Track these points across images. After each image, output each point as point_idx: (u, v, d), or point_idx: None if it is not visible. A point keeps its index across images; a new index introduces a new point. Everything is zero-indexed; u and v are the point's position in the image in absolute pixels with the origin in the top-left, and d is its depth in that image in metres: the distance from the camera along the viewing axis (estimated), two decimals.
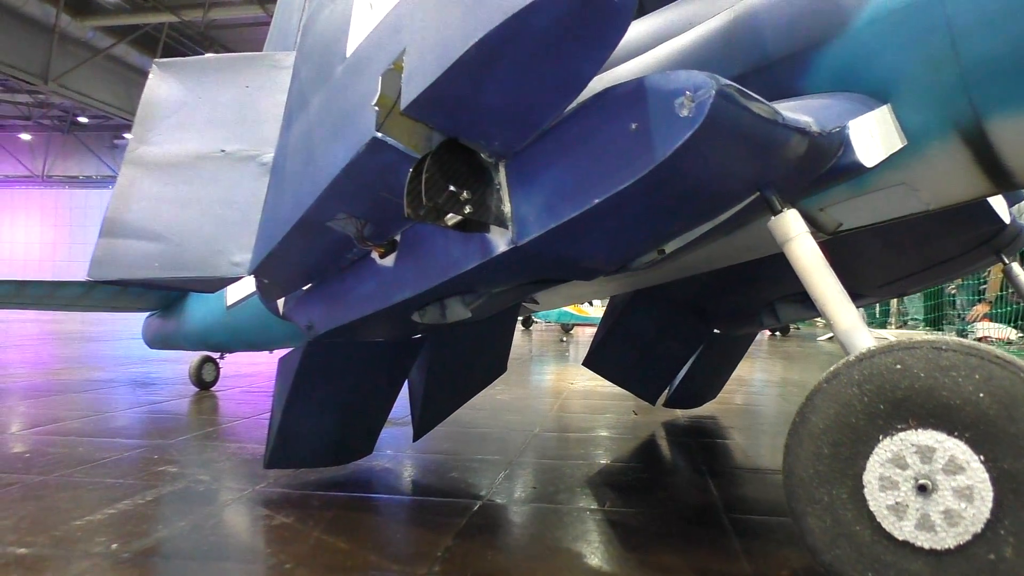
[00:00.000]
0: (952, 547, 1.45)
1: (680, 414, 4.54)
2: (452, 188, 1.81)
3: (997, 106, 1.97)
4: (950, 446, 1.50)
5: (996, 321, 13.62)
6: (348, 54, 2.21)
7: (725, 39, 2.73)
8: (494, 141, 1.87)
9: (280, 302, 2.66)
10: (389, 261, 2.25)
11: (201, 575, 1.82)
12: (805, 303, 3.70)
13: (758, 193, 1.94)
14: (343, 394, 2.69)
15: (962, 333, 15.17)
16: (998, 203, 2.97)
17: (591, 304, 15.12)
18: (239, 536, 2.15)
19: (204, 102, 2.62)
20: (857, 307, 3.72)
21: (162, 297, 4.90)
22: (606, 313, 4.32)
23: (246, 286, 3.78)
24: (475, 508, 2.40)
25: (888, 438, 1.57)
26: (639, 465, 3.16)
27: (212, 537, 2.07)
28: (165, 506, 2.36)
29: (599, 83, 1.84)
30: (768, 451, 3.60)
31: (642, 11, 2.84)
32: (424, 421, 3.09)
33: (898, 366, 1.59)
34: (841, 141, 2.06)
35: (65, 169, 35.27)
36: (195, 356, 5.26)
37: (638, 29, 2.71)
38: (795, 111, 2.22)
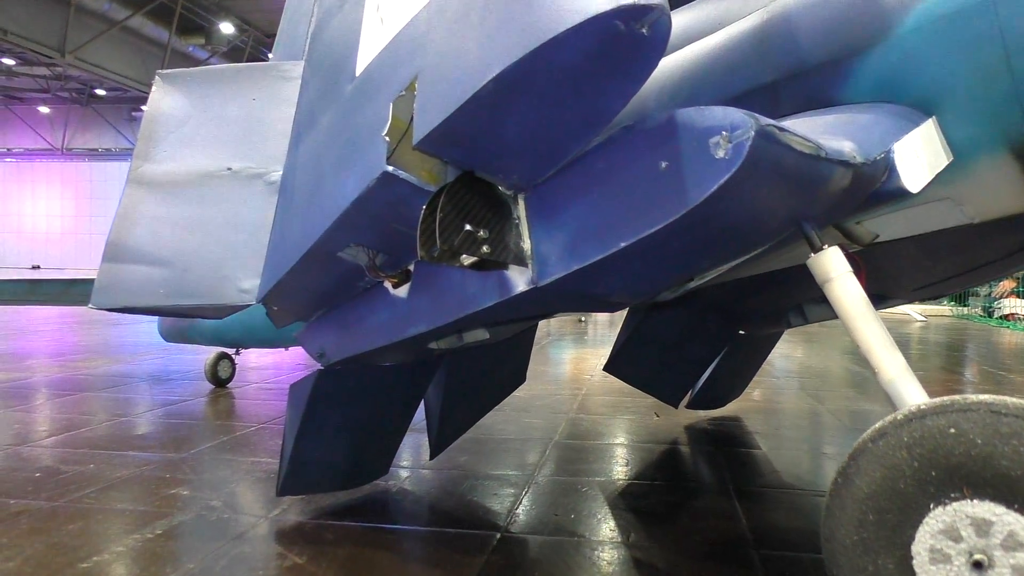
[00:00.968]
0: None
1: (702, 415, 4.43)
2: (468, 227, 1.70)
3: None
4: (1010, 520, 1.38)
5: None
6: (357, 72, 2.08)
7: (757, 42, 2.57)
8: (513, 174, 1.75)
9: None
10: (403, 291, 2.14)
11: None
12: None
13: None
14: (357, 419, 2.61)
15: (988, 309, 14.91)
16: None
17: None
18: None
19: (210, 116, 2.50)
20: (886, 306, 3.56)
21: None
22: (627, 317, 4.19)
23: None
24: (495, 542, 2.32)
25: (940, 507, 1.46)
26: (663, 483, 3.05)
27: None
28: (175, 541, 2.29)
29: None
30: (794, 462, 3.49)
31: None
32: (441, 439, 3.01)
33: (952, 430, 1.47)
34: (886, 166, 1.91)
35: (84, 142, 35.32)
36: (211, 352, 5.21)
37: None
38: (836, 130, 2.08)
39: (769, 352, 4.93)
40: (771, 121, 1.45)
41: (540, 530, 2.46)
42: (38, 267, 35.43)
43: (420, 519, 2.62)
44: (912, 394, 1.66)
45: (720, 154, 1.40)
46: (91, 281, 3.90)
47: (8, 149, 35.36)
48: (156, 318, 5.38)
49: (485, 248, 1.71)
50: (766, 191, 1.63)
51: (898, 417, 1.53)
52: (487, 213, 1.74)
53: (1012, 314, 13.71)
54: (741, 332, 4.23)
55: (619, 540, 2.36)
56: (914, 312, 14.38)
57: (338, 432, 2.58)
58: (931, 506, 1.45)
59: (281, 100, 2.51)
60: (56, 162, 35.15)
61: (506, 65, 1.41)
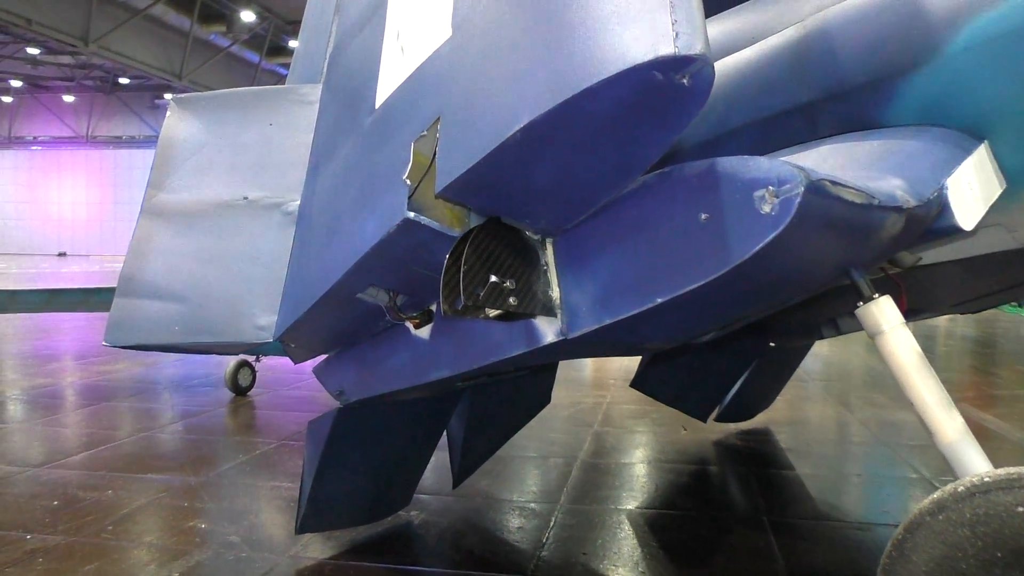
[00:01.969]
0: None
1: (731, 428, 4.31)
2: (494, 278, 1.59)
3: None
4: None
5: None
6: (377, 103, 1.98)
7: (793, 59, 2.43)
8: (540, 220, 1.65)
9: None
10: (424, 333, 2.05)
11: None
12: None
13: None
14: (378, 455, 2.53)
15: None
16: None
17: None
18: None
19: (225, 143, 2.42)
20: (921, 318, 3.41)
21: None
22: None
23: None
24: None
25: None
26: (694, 514, 2.95)
27: None
28: None
29: None
30: (829, 486, 3.37)
31: None
32: (464, 468, 2.93)
33: (1020, 508, 1.35)
34: (940, 204, 1.79)
35: (108, 130, 35.60)
36: (231, 360, 5.16)
37: None
38: (882, 162, 1.95)
39: (799, 363, 4.80)
40: (821, 174, 1.33)
41: (567, 572, 2.37)
42: (64, 254, 35.87)
43: (444, 559, 2.54)
44: (974, 462, 1.54)
45: (766, 209, 1.29)
46: (111, 290, 3.83)
47: (34, 137, 35.72)
48: None
49: (512, 300, 1.61)
50: (815, 245, 1.52)
51: (959, 489, 1.42)
52: (514, 261, 1.64)
53: None
54: (771, 344, 4.11)
55: None
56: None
57: (359, 469, 2.50)
58: None
59: (299, 125, 2.41)
60: (81, 150, 35.45)
61: (535, 116, 1.30)
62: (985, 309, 3.73)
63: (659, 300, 1.47)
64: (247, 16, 24.98)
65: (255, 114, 2.46)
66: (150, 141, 35.07)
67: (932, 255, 2.26)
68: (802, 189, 1.25)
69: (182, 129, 2.43)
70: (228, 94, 2.59)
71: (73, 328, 8.37)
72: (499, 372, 2.18)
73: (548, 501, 3.04)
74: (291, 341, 2.24)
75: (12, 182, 36.93)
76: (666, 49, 1.14)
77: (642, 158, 1.45)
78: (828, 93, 2.33)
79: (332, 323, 2.15)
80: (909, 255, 2.16)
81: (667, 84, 1.19)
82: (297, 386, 5.46)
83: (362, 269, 1.83)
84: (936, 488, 3.12)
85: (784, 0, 2.57)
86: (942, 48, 2.03)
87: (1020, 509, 1.35)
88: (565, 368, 6.69)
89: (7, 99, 35.56)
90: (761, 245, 1.30)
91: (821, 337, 3.83)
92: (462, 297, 1.56)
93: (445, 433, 2.87)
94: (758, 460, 3.76)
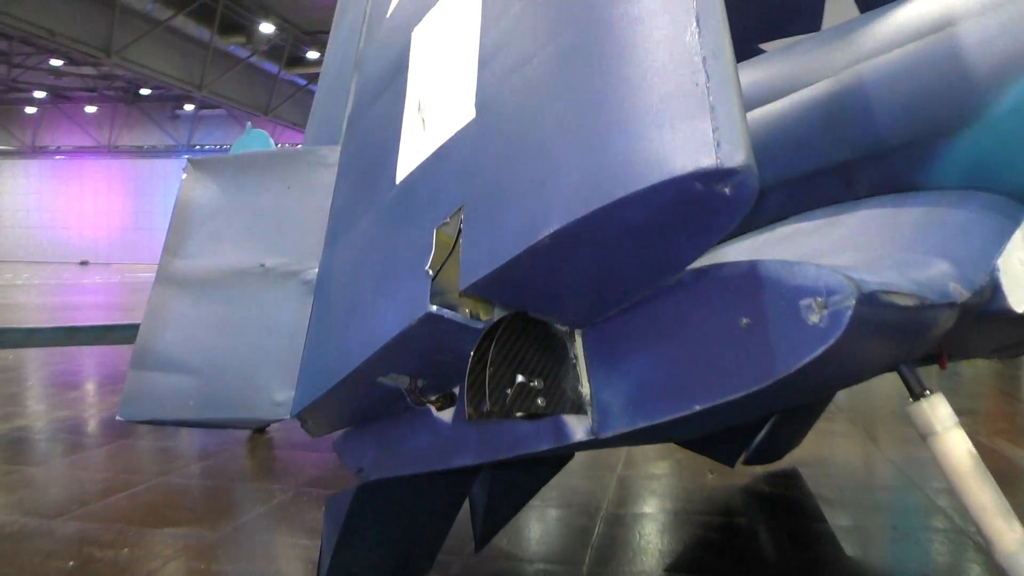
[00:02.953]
0: None
1: (758, 471, 4.20)
2: (521, 378, 1.52)
3: None
4: None
5: None
6: (398, 178, 1.91)
7: (827, 114, 2.33)
8: (569, 315, 1.57)
9: None
10: (447, 416, 1.96)
11: None
12: None
13: None
14: (399, 528, 2.45)
15: None
16: None
17: None
18: None
19: (243, 207, 2.35)
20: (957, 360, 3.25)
21: None
22: None
23: None
24: None
25: None
26: None
27: None
28: None
29: None
30: (864, 541, 3.25)
31: None
32: (487, 531, 2.84)
33: None
34: (992, 287, 1.69)
35: (130, 139, 36.03)
36: None
37: None
38: (928, 240, 1.86)
39: (830, 400, 4.68)
40: (873, 284, 1.24)
41: None
42: (86, 262, 36.26)
43: None
44: None
45: (813, 320, 1.20)
46: (126, 327, 3.76)
47: (57, 147, 36.20)
48: None
49: (540, 401, 1.53)
50: (865, 351, 1.43)
51: None
52: (541, 357, 1.56)
53: None
54: None
55: None
56: None
57: (379, 542, 2.42)
58: None
59: (317, 188, 2.35)
60: (103, 160, 35.88)
61: (566, 222, 1.22)
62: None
63: (697, 408, 1.38)
64: (266, 27, 25.19)
65: (273, 177, 2.40)
66: (170, 151, 35.49)
67: None
68: (853, 302, 1.17)
69: (199, 193, 2.37)
70: (246, 156, 2.54)
71: (93, 351, 8.37)
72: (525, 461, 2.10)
73: (573, 562, 2.94)
74: (308, 418, 2.17)
75: (36, 191, 37.45)
76: (707, 161, 1.06)
77: (679, 260, 1.37)
78: (865, 152, 2.24)
79: (350, 404, 2.08)
80: None
81: (708, 194, 1.11)
82: None
83: (382, 358, 1.76)
84: (972, 541, 3.00)
85: (815, 50, 2.48)
86: (987, 108, 1.93)
87: None
88: None
89: (31, 110, 36.07)
90: (809, 359, 1.21)
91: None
92: (487, 402, 1.49)
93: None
94: (788, 510, 3.64)
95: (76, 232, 36.77)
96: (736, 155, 1.05)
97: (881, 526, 3.55)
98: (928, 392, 1.60)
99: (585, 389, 1.57)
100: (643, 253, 1.35)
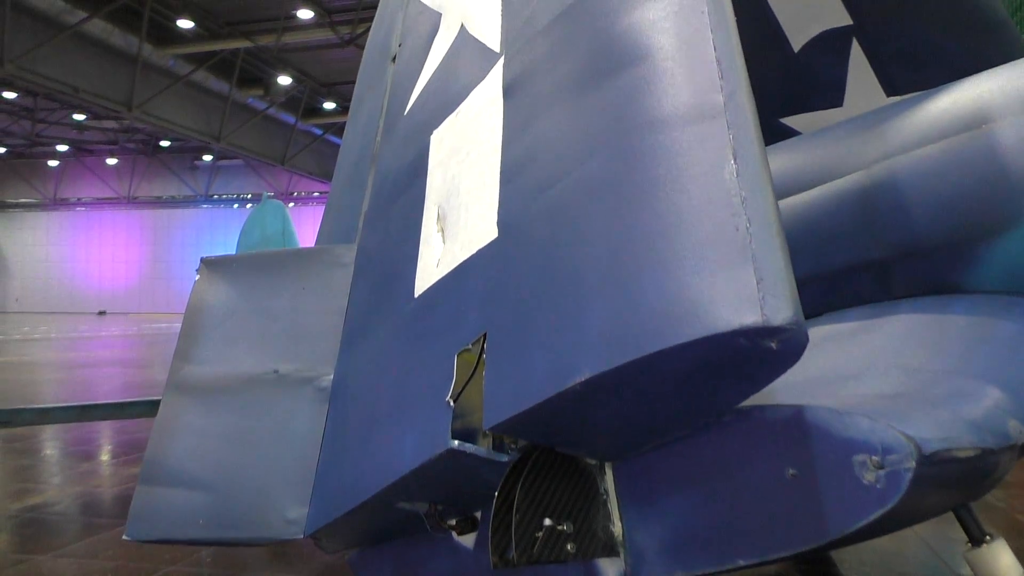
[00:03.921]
0: None
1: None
2: (548, 521, 1.41)
3: None
4: None
5: None
6: (416, 291, 1.83)
7: (861, 210, 2.22)
8: (599, 450, 1.47)
9: None
10: (468, 541, 1.85)
11: None
12: None
13: None
14: None
15: None
16: None
17: None
18: None
19: (256, 310, 2.28)
20: None
21: None
22: None
23: None
24: None
25: None
26: None
27: None
28: None
29: None
30: None
31: None
32: None
33: None
34: None
35: (149, 190, 36.54)
36: None
37: None
38: (977, 361, 1.74)
39: None
40: (934, 443, 1.13)
41: None
42: (104, 312, 36.54)
43: None
44: None
45: (869, 479, 1.09)
46: (139, 403, 3.61)
47: (78, 199, 36.80)
48: None
49: (569, 547, 1.42)
50: (925, 507, 1.32)
51: None
52: (570, 496, 1.45)
53: None
54: None
55: None
56: None
57: None
58: None
59: (332, 290, 2.27)
60: (122, 210, 36.39)
61: (600, 371, 1.13)
62: None
63: (741, 563, 1.27)
64: (283, 80, 25.59)
65: (287, 277, 2.33)
66: (189, 200, 35.97)
67: None
68: (914, 464, 1.06)
69: (211, 294, 2.30)
70: (260, 256, 2.47)
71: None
72: None
73: None
74: (322, 537, 2.07)
75: (57, 242, 37.93)
76: (751, 318, 0.96)
77: (720, 406, 1.28)
78: (900, 251, 2.12)
79: (367, 525, 1.97)
80: None
81: (753, 348, 1.01)
82: None
83: (400, 487, 1.66)
84: None
85: (845, 139, 2.39)
86: None
87: None
88: None
89: (53, 163, 36.70)
90: (865, 522, 1.10)
91: None
92: (514, 550, 1.38)
93: None
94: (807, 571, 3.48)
95: (95, 282, 37.13)
96: (783, 311, 0.96)
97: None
98: (989, 538, 1.48)
99: (617, 528, 1.46)
100: (682, 399, 1.26)
